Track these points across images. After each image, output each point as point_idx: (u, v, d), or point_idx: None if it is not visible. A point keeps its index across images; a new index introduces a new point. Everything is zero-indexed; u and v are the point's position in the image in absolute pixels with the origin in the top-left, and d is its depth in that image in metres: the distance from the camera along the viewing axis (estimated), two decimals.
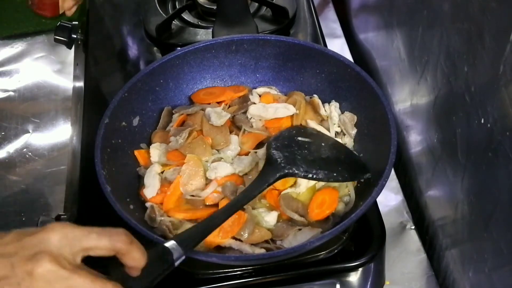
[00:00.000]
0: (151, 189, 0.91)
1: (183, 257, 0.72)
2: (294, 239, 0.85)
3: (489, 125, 0.76)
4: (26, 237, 0.64)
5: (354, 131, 0.97)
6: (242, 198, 0.83)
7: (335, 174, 0.88)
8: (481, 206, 0.84)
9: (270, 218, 0.88)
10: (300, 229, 0.86)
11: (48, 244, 0.63)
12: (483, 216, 0.82)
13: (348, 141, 0.98)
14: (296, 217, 0.88)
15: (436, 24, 0.91)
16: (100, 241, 0.64)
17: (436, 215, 1.04)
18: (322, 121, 1.00)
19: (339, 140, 0.98)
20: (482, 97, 0.78)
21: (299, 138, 0.92)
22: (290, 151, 0.88)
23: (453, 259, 0.97)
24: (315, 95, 1.01)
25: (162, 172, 0.94)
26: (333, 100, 1.01)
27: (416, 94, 1.06)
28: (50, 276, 0.61)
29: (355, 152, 0.96)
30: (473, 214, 0.87)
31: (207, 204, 0.90)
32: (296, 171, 0.86)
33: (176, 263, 0.72)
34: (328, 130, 0.98)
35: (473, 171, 0.85)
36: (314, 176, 0.86)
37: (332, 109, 0.99)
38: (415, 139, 1.11)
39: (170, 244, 0.72)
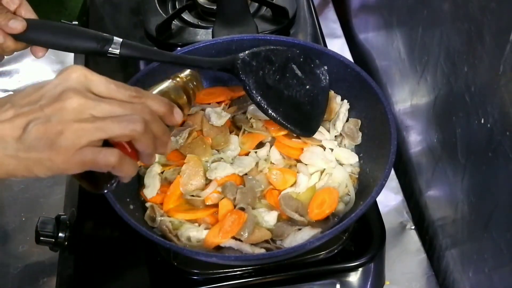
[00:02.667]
0: (151, 189, 0.91)
1: (116, 54, 0.84)
2: (294, 239, 0.85)
3: (489, 125, 0.76)
4: (46, 84, 0.64)
5: (359, 138, 0.97)
6: (187, 58, 0.92)
7: (273, 110, 0.91)
8: (481, 206, 0.84)
9: (270, 218, 0.88)
10: (300, 229, 0.86)
11: (70, 82, 0.64)
12: (483, 216, 0.82)
13: (348, 143, 0.97)
14: (296, 217, 0.87)
15: (436, 24, 0.91)
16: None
17: (436, 215, 1.04)
18: (323, 121, 0.99)
19: (339, 141, 0.98)
20: (482, 97, 0.78)
21: (293, 66, 0.94)
22: (260, 64, 0.92)
23: (453, 259, 0.97)
24: (331, 90, 1.01)
25: (162, 172, 0.94)
26: (345, 100, 1.00)
27: (416, 94, 1.06)
28: (80, 108, 0.62)
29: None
30: (473, 214, 0.87)
31: (207, 204, 0.90)
32: (244, 80, 0.90)
33: (108, 51, 0.84)
34: (328, 131, 0.98)
35: (473, 171, 0.85)
36: (254, 97, 0.90)
37: (344, 106, 0.99)
38: (415, 139, 1.11)
39: (116, 39, 0.84)
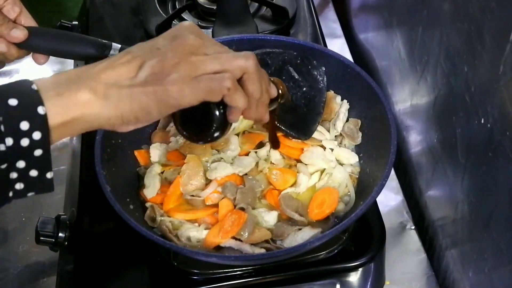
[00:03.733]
0: (151, 189, 0.91)
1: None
2: (294, 239, 0.85)
3: (489, 125, 0.76)
4: (162, 34, 0.68)
5: (359, 138, 0.97)
6: None
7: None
8: (481, 206, 0.84)
9: (270, 218, 0.88)
10: (300, 229, 0.86)
11: (185, 28, 0.68)
12: (483, 216, 0.82)
13: (348, 143, 0.97)
14: (296, 217, 0.87)
15: (436, 24, 0.91)
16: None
17: (436, 215, 1.04)
18: (323, 121, 0.99)
19: (339, 141, 0.98)
20: (482, 97, 0.78)
21: (290, 68, 0.95)
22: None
23: (453, 259, 0.97)
24: (331, 90, 1.01)
25: (162, 172, 0.94)
26: (345, 100, 1.00)
27: (416, 94, 1.06)
28: (196, 45, 0.66)
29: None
30: (473, 214, 0.87)
31: (207, 204, 0.90)
32: None
33: (108, 54, 0.89)
34: (328, 131, 0.98)
35: (473, 171, 0.85)
36: None
37: (344, 106, 0.99)
38: (415, 139, 1.11)
39: (115, 44, 0.89)
